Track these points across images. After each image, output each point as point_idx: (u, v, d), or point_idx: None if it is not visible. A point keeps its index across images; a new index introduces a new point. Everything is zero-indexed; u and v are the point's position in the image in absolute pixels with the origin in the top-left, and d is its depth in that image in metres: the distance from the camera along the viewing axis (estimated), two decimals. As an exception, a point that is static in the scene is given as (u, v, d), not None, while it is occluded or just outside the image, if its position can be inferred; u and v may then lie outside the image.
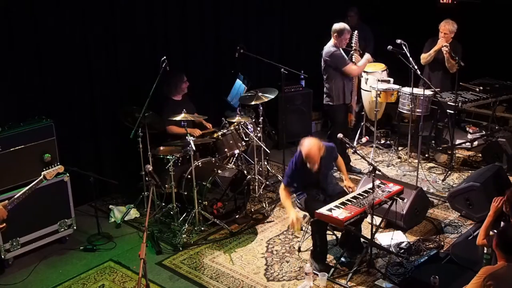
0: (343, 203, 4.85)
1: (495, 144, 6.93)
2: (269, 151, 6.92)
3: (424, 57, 6.90)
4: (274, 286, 4.88)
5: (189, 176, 5.77)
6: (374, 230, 4.96)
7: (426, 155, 7.25)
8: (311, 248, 5.17)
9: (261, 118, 6.56)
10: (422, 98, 6.56)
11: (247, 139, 6.46)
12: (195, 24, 6.98)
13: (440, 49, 6.73)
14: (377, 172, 4.84)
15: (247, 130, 6.43)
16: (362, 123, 7.79)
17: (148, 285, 3.97)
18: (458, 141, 7.56)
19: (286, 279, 4.97)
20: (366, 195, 4.97)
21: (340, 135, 5.22)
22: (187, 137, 5.57)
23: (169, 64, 5.71)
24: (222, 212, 5.90)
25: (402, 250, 5.24)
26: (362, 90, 7.51)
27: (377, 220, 5.24)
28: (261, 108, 6.50)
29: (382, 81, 7.22)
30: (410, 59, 6.16)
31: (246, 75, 7.23)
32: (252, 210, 6.17)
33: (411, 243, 5.35)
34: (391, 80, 7.30)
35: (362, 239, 5.14)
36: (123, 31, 6.29)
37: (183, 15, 6.85)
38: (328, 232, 5.16)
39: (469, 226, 5.71)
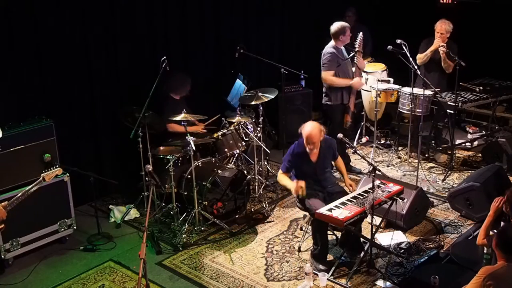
0: (343, 203, 4.86)
1: (495, 144, 6.93)
2: (269, 151, 6.92)
3: (421, 58, 6.87)
4: (274, 286, 4.88)
5: (189, 176, 5.77)
6: (374, 230, 4.96)
7: (426, 155, 7.25)
8: (311, 248, 5.17)
9: (261, 118, 6.56)
10: (422, 98, 6.56)
11: (247, 139, 6.46)
12: (195, 24, 6.98)
13: (436, 49, 6.73)
14: (377, 172, 4.84)
15: (247, 130, 6.43)
16: (362, 123, 7.79)
17: (148, 285, 3.97)
18: (458, 141, 7.56)
19: (286, 279, 4.97)
20: (366, 195, 4.97)
21: (340, 135, 5.22)
22: (187, 137, 5.57)
23: (169, 64, 5.72)
24: (222, 212, 5.90)
25: (402, 250, 5.24)
26: (362, 90, 7.50)
27: (377, 220, 5.24)
28: (261, 108, 6.50)
29: (382, 81, 7.22)
30: (410, 59, 6.16)
31: (246, 75, 7.23)
32: (252, 210, 6.17)
33: (411, 243, 5.35)
34: (391, 80, 7.30)
35: (362, 239, 5.14)
36: (123, 31, 6.29)
37: (183, 15, 6.85)
38: (328, 232, 5.17)
39: (469, 226, 5.71)
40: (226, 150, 6.26)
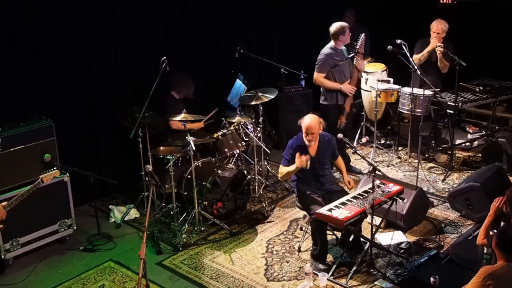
0: (343, 203, 4.86)
1: (495, 144, 6.93)
2: (269, 151, 6.91)
3: (417, 58, 6.83)
4: (274, 286, 4.88)
5: (189, 176, 5.77)
6: (374, 230, 4.96)
7: (426, 155, 7.25)
8: (311, 248, 5.17)
9: (261, 118, 6.56)
10: (422, 98, 6.56)
11: (247, 139, 6.46)
12: (195, 24, 6.98)
13: (433, 49, 6.72)
14: (377, 172, 4.84)
15: (247, 130, 6.43)
16: (362, 123, 7.79)
17: (148, 285, 3.97)
18: (458, 141, 7.56)
19: (286, 279, 4.97)
20: (366, 195, 4.97)
21: (340, 135, 5.22)
22: (187, 137, 5.57)
23: (169, 64, 5.71)
24: (222, 212, 5.90)
25: (402, 250, 5.24)
26: (362, 90, 7.51)
27: (377, 220, 5.24)
28: (261, 108, 6.50)
29: (382, 81, 7.22)
30: (410, 59, 6.15)
31: (246, 75, 7.23)
32: (252, 210, 6.17)
33: (411, 243, 5.35)
34: (391, 80, 7.30)
35: (362, 239, 5.14)
36: (123, 31, 6.29)
37: (183, 15, 6.85)
38: (328, 232, 5.17)
39: (469, 226, 5.70)
40: (226, 150, 6.26)
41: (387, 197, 4.94)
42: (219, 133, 6.29)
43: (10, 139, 5.17)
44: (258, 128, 6.55)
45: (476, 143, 7.64)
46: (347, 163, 6.69)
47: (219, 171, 5.80)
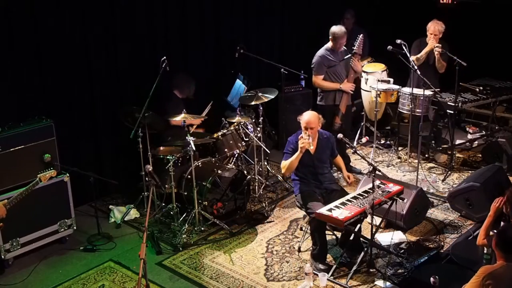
0: (343, 203, 4.86)
1: (495, 144, 6.93)
2: (269, 151, 6.92)
3: (416, 59, 6.82)
4: (274, 286, 4.88)
5: (189, 176, 5.77)
6: (374, 230, 4.96)
7: (426, 155, 7.25)
8: (311, 248, 5.17)
9: (261, 118, 6.56)
10: (422, 98, 6.56)
11: (247, 139, 6.46)
12: (195, 24, 6.99)
13: (431, 50, 6.72)
14: (377, 172, 4.84)
15: (247, 130, 6.43)
16: (362, 123, 7.79)
17: (148, 285, 3.97)
18: (458, 141, 7.56)
19: (286, 279, 4.97)
20: (366, 195, 4.97)
21: (340, 135, 5.23)
22: (187, 137, 5.57)
23: (169, 64, 5.72)
24: (222, 212, 5.90)
25: (402, 250, 5.24)
26: (362, 90, 7.51)
27: (377, 220, 5.24)
28: (261, 108, 6.50)
29: (382, 81, 7.22)
30: (410, 59, 6.15)
31: (246, 75, 7.23)
32: (252, 210, 6.17)
33: (411, 243, 5.35)
34: (391, 80, 7.29)
35: (362, 239, 5.14)
36: (123, 31, 6.29)
37: (183, 15, 6.85)
38: (328, 232, 5.17)
39: (469, 226, 5.71)
40: (226, 150, 6.26)
41: (387, 197, 4.94)
42: (219, 133, 6.29)
43: (10, 139, 5.17)
44: (258, 128, 6.55)
45: (476, 143, 7.64)
46: (347, 163, 6.69)
47: (219, 171, 5.80)
